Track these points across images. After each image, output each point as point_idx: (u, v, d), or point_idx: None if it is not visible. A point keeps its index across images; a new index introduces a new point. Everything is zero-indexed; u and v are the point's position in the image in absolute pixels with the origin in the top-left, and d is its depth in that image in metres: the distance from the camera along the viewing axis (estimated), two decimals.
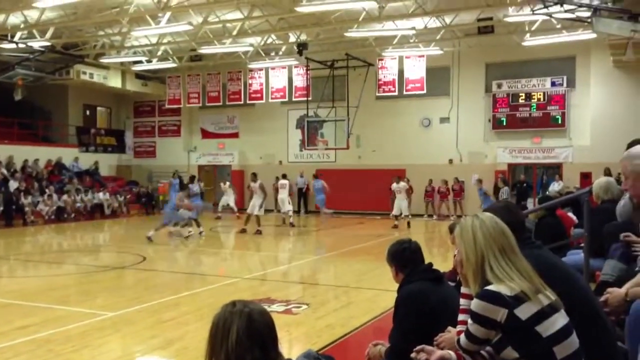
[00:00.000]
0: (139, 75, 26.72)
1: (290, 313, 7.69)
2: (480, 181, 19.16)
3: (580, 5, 14.14)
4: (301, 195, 24.63)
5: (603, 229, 5.11)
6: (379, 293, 9.01)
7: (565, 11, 14.82)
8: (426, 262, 3.84)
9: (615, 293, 2.95)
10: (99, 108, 29.04)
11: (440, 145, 23.41)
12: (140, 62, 24.54)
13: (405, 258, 3.81)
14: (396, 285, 3.81)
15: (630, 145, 3.37)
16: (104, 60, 23.82)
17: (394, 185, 19.38)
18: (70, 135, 26.85)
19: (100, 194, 23.78)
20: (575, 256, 5.75)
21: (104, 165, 27.19)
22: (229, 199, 22.83)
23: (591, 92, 21.19)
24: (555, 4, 14.34)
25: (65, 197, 22.28)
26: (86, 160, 26.19)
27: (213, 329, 2.00)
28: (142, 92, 27.55)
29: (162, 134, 29.00)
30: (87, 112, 28.37)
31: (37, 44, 19.71)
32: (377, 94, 23.17)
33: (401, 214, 19.08)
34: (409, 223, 19.25)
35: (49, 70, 22.81)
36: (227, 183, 23.69)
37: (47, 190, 21.78)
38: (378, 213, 22.40)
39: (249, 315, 1.98)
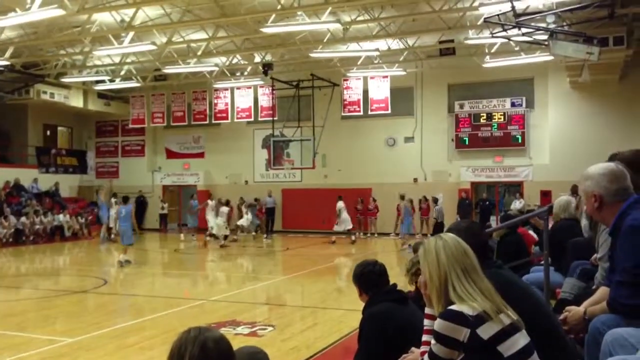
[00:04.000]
0: (102, 95, 26.35)
1: (256, 335, 7.60)
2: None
3: (538, 29, 14.60)
4: (270, 215, 24.46)
5: (564, 246, 5.23)
6: (345, 313, 8.98)
7: (523, 34, 15.27)
8: (392, 282, 3.86)
9: (573, 312, 3.00)
10: (59, 128, 28.45)
11: (405, 164, 23.67)
12: (102, 81, 24.22)
13: (369, 280, 3.83)
14: (362, 305, 3.81)
15: (610, 158, 3.46)
16: (65, 80, 23.42)
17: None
18: (29, 155, 26.19)
19: (61, 216, 23.20)
20: (538, 273, 5.85)
21: (65, 186, 26.54)
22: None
23: (549, 112, 21.80)
24: (514, 27, 14.76)
25: (23, 219, 21.67)
26: (46, 181, 25.53)
27: (169, 356, 1.96)
28: (105, 112, 27.14)
29: (126, 154, 28.57)
30: (48, 132, 27.75)
31: None
32: (343, 114, 23.37)
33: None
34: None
35: (8, 90, 22.34)
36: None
37: (4, 212, 21.13)
38: (344, 232, 22.43)
39: (202, 343, 1.92)
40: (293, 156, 23.15)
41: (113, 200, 22.00)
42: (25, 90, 22.82)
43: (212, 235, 20.54)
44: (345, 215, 20.89)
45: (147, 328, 8.37)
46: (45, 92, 23.44)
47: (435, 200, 21.26)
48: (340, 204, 21.00)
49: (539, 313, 2.77)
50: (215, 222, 20.52)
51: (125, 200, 16.10)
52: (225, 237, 20.03)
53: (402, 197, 20.09)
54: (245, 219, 22.43)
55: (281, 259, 18.59)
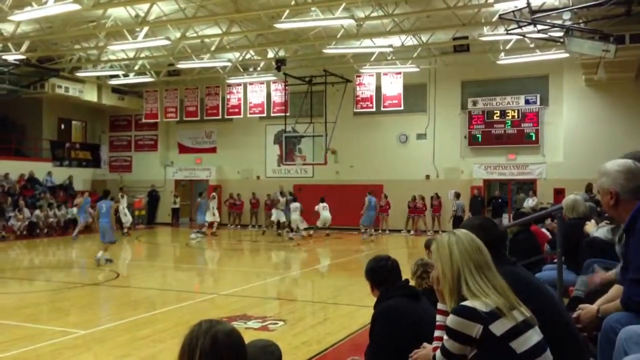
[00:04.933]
0: (116, 89, 26.50)
1: (267, 330, 7.63)
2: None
3: (553, 26, 14.47)
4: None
5: (574, 245, 5.19)
6: (356, 309, 8.99)
7: (539, 31, 15.15)
8: (404, 278, 3.86)
9: (587, 309, 2.98)
10: (74, 122, 28.67)
11: (417, 161, 23.60)
12: (117, 76, 24.37)
13: (381, 275, 3.82)
14: (373, 301, 3.81)
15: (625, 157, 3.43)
16: (80, 74, 23.58)
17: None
18: (44, 149, 26.43)
19: (74, 209, 23.38)
20: (549, 272, 5.82)
21: (78, 179, 26.76)
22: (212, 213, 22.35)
23: (564, 110, 21.62)
24: (529, 24, 14.65)
25: (37, 212, 21.88)
26: (60, 174, 25.77)
27: (181, 349, 1.96)
28: (119, 106, 27.30)
29: (139, 149, 28.74)
30: (62, 126, 27.98)
31: (11, 57, 19.46)
32: (355, 110, 23.32)
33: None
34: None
35: (24, 84, 22.53)
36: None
37: (19, 204, 21.36)
38: (356, 228, 22.43)
39: (213, 336, 1.92)
40: (305, 152, 23.17)
41: (119, 194, 22.28)
42: (40, 84, 22.99)
43: (291, 229, 20.74)
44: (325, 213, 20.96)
45: (159, 321, 8.43)
46: (60, 87, 23.61)
47: (457, 195, 21.47)
48: (322, 204, 21.10)
49: (552, 310, 2.75)
50: (291, 218, 20.68)
51: (106, 195, 15.16)
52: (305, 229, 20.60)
53: (370, 192, 20.86)
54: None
55: (291, 254, 18.62)
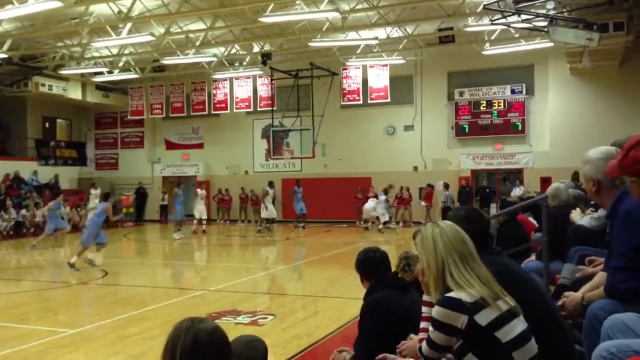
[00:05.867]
0: (100, 87, 26.27)
1: (257, 324, 7.62)
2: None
3: (538, 15, 14.52)
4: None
5: (564, 233, 5.22)
6: (346, 301, 9.01)
7: (523, 21, 15.19)
8: (394, 270, 3.87)
9: (571, 297, 3.01)
10: (58, 120, 28.40)
11: (404, 152, 23.65)
12: (101, 73, 24.13)
13: (370, 267, 3.85)
14: (363, 293, 3.83)
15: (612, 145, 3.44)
16: (64, 72, 23.33)
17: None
18: (29, 148, 26.18)
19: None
20: (536, 262, 5.85)
21: (65, 178, 26.56)
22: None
23: (549, 99, 21.75)
24: (513, 14, 14.69)
25: (23, 211, 21.69)
26: (46, 173, 25.55)
27: (164, 347, 1.95)
28: (104, 104, 27.07)
29: (125, 146, 28.54)
30: (47, 125, 27.70)
31: None
32: (342, 103, 23.30)
33: None
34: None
35: (6, 83, 22.28)
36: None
37: (4, 204, 21.16)
38: (345, 221, 22.48)
39: (195, 335, 1.91)
40: (293, 146, 23.13)
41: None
42: (23, 82, 22.74)
43: (365, 221, 21.09)
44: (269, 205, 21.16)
45: (148, 318, 8.40)
46: (43, 85, 23.35)
47: (447, 186, 21.66)
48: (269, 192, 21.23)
49: (536, 299, 2.77)
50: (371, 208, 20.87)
51: (106, 197, 14.99)
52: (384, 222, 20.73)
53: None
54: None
55: (281, 248, 18.63)
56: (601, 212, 5.11)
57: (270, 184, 21.87)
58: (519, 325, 2.41)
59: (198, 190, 22.18)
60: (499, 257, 2.95)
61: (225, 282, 11.70)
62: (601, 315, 2.58)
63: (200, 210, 21.37)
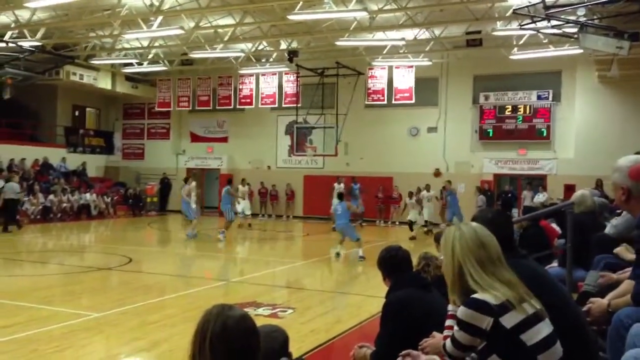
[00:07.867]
0: (129, 78, 26.63)
1: (276, 317, 7.74)
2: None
3: (567, 22, 14.39)
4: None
5: (587, 241, 5.22)
6: (365, 299, 9.09)
7: (552, 27, 15.07)
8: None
9: (597, 303, 3.01)
10: (88, 109, 28.88)
11: (427, 154, 23.57)
12: (130, 64, 24.48)
13: (393, 264, 3.91)
14: (383, 292, 3.90)
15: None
16: (94, 62, 23.74)
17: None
18: (58, 135, 26.69)
19: (87, 195, 23.64)
20: (557, 268, 5.85)
21: (92, 166, 27.06)
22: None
23: (576, 106, 21.51)
24: (543, 19, 14.58)
25: (51, 197, 22.14)
26: (74, 160, 26.04)
27: (194, 332, 1.99)
28: (132, 95, 27.45)
29: (151, 137, 28.92)
30: (76, 113, 28.20)
31: (27, 43, 19.59)
32: (366, 103, 23.30)
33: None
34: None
35: (39, 70, 22.69)
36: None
37: (33, 189, 21.63)
38: (364, 220, 22.50)
39: (223, 322, 1.95)
40: (316, 143, 23.23)
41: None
42: (55, 71, 23.16)
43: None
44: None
45: (169, 306, 8.58)
46: (74, 74, 23.79)
47: (480, 190, 21.20)
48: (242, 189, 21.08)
49: (562, 303, 2.77)
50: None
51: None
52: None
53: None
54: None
55: (301, 244, 18.75)
56: (614, 221, 5.10)
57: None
58: (544, 328, 2.41)
59: (240, 186, 21.54)
60: (525, 260, 2.95)
61: (245, 274, 11.85)
62: (627, 323, 2.58)
63: (244, 206, 20.85)
